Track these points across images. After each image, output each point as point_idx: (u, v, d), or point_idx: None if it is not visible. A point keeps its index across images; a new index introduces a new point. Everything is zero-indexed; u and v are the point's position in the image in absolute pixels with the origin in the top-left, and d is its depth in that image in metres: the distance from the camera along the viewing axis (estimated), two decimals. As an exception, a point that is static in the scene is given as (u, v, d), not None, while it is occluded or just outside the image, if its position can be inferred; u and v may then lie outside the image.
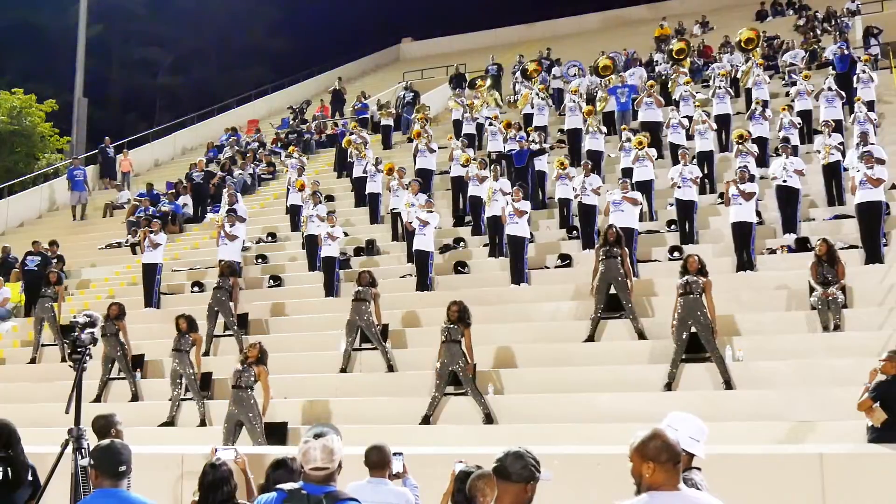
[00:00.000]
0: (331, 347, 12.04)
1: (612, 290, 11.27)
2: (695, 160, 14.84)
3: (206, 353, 12.88)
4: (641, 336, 10.95)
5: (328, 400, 11.03)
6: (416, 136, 18.18)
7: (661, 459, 3.20)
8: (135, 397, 12.39)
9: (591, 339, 11.16)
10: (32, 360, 14.40)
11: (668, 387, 9.84)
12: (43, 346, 14.54)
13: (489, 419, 10.01)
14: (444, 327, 10.37)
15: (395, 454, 5.68)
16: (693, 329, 9.94)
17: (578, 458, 7.02)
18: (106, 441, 3.94)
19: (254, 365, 10.00)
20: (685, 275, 10.18)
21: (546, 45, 28.68)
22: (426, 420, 10.19)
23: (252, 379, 9.99)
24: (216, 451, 5.91)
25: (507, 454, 3.53)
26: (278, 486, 3.86)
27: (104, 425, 6.06)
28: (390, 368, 11.67)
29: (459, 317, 10.27)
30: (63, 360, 13.78)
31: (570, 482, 6.14)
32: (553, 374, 10.68)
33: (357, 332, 11.92)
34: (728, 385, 9.61)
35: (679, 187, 13.59)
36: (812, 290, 10.57)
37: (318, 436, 3.64)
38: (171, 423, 11.41)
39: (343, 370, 11.83)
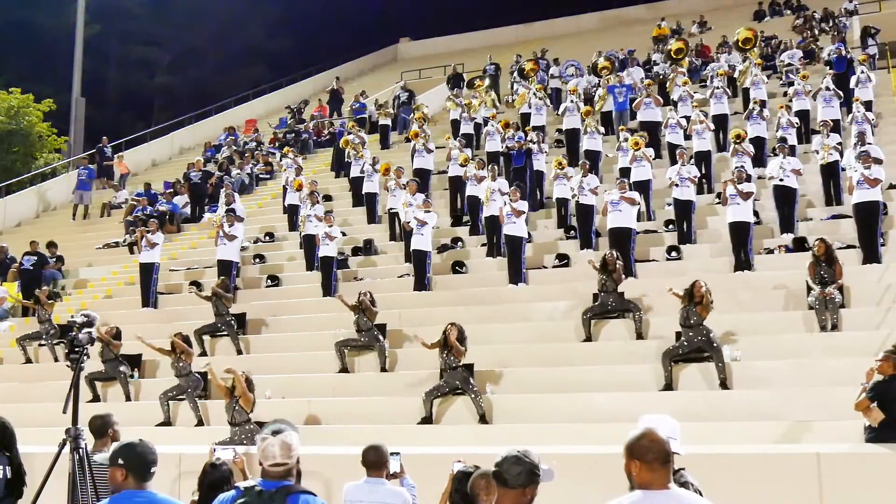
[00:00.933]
0: (329, 347, 12.02)
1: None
2: (692, 160, 14.84)
3: (203, 354, 12.89)
4: (640, 336, 10.96)
5: (326, 399, 11.03)
6: (414, 135, 18.18)
7: (646, 458, 3.26)
8: (128, 398, 12.40)
9: (588, 339, 11.17)
10: (29, 360, 14.39)
11: (668, 387, 9.83)
12: (41, 345, 14.52)
13: (483, 419, 10.00)
14: (442, 357, 10.20)
15: (392, 454, 5.69)
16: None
17: (576, 458, 7.02)
18: (133, 440, 3.94)
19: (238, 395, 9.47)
20: (689, 295, 9.87)
21: (544, 45, 28.65)
22: (427, 420, 10.17)
23: (246, 413, 9.49)
24: (215, 450, 5.91)
25: (505, 458, 3.44)
26: (237, 483, 3.88)
27: (101, 425, 6.05)
28: (383, 369, 11.68)
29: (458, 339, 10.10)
30: (55, 360, 13.78)
31: (568, 482, 6.13)
32: (551, 374, 10.67)
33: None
34: (724, 385, 9.60)
35: (677, 186, 13.60)
36: (810, 289, 10.58)
37: (275, 432, 3.65)
38: (168, 422, 11.40)
39: (342, 370, 11.82)
